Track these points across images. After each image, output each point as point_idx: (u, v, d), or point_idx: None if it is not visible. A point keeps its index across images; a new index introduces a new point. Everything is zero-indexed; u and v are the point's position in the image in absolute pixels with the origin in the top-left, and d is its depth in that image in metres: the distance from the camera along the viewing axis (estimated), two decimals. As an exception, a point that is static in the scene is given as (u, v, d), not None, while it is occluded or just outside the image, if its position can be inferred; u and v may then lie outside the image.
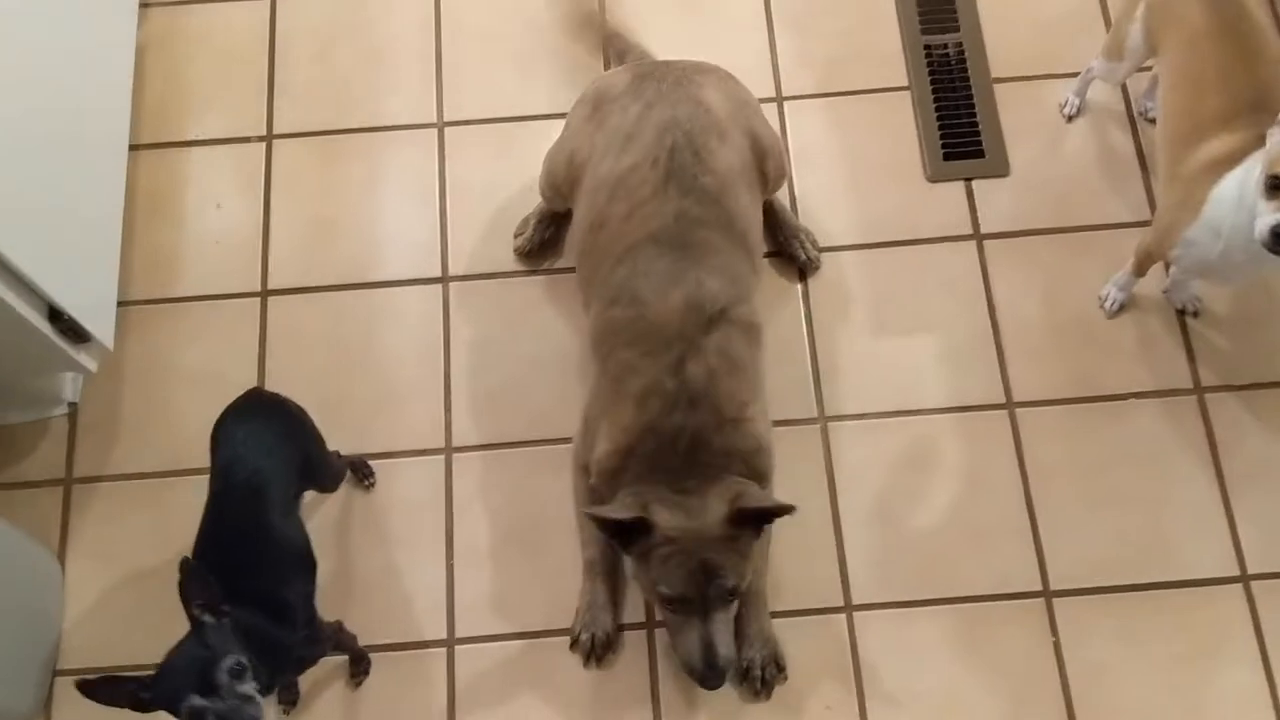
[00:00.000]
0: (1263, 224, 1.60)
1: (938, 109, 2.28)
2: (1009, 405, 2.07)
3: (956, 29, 2.33)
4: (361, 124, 2.32)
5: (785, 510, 1.67)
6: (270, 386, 2.11)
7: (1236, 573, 1.95)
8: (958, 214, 2.22)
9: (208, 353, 2.16)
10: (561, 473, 2.00)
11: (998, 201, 2.22)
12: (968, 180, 2.24)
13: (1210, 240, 1.75)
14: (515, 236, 2.20)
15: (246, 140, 2.31)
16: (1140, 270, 2.03)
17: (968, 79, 2.29)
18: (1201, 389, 2.07)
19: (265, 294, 2.20)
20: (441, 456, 2.06)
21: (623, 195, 1.83)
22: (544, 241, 2.18)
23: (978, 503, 2.01)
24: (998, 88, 2.30)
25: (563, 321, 2.15)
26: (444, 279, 2.20)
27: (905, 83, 2.31)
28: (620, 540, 1.71)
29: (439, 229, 2.23)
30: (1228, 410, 2.05)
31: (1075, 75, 2.25)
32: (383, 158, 2.30)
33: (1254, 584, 1.94)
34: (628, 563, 1.84)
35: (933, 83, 2.29)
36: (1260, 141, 1.69)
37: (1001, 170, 2.24)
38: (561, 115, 2.25)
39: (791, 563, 1.96)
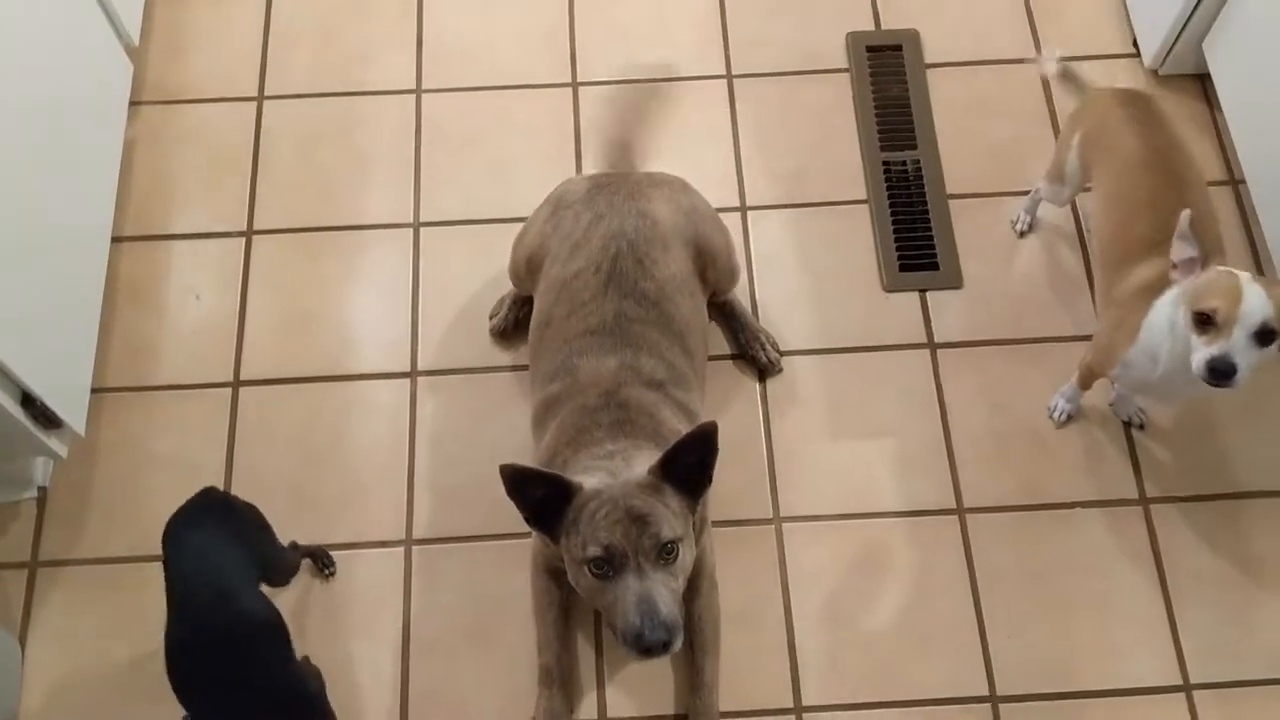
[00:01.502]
0: (1198, 359, 1.67)
1: (895, 222, 2.37)
2: (959, 510, 2.13)
3: (914, 147, 2.44)
4: (340, 222, 2.40)
5: (703, 439, 1.61)
6: (239, 475, 2.16)
7: (1179, 682, 1.99)
8: (913, 323, 2.30)
9: (179, 441, 2.20)
10: (521, 569, 2.03)
11: (951, 312, 2.30)
12: (922, 291, 2.32)
13: (1147, 364, 1.82)
14: (490, 318, 2.28)
15: (227, 235, 2.39)
16: (1085, 385, 2.10)
17: (924, 194, 2.39)
18: (1146, 500, 2.12)
19: (237, 384, 2.25)
20: (401, 549, 2.10)
21: (566, 298, 1.93)
22: (518, 320, 2.26)
23: (928, 606, 2.05)
24: (952, 203, 2.40)
25: (526, 418, 2.20)
26: (412, 373, 2.25)
27: (864, 196, 2.41)
28: (545, 522, 1.66)
29: (410, 325, 2.30)
30: (1171, 521, 2.10)
31: (1026, 193, 2.35)
32: (359, 255, 2.37)
33: (1195, 693, 1.97)
34: (572, 580, 1.72)
35: (890, 197, 2.39)
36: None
37: (955, 282, 2.32)
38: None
39: (743, 662, 1.99)
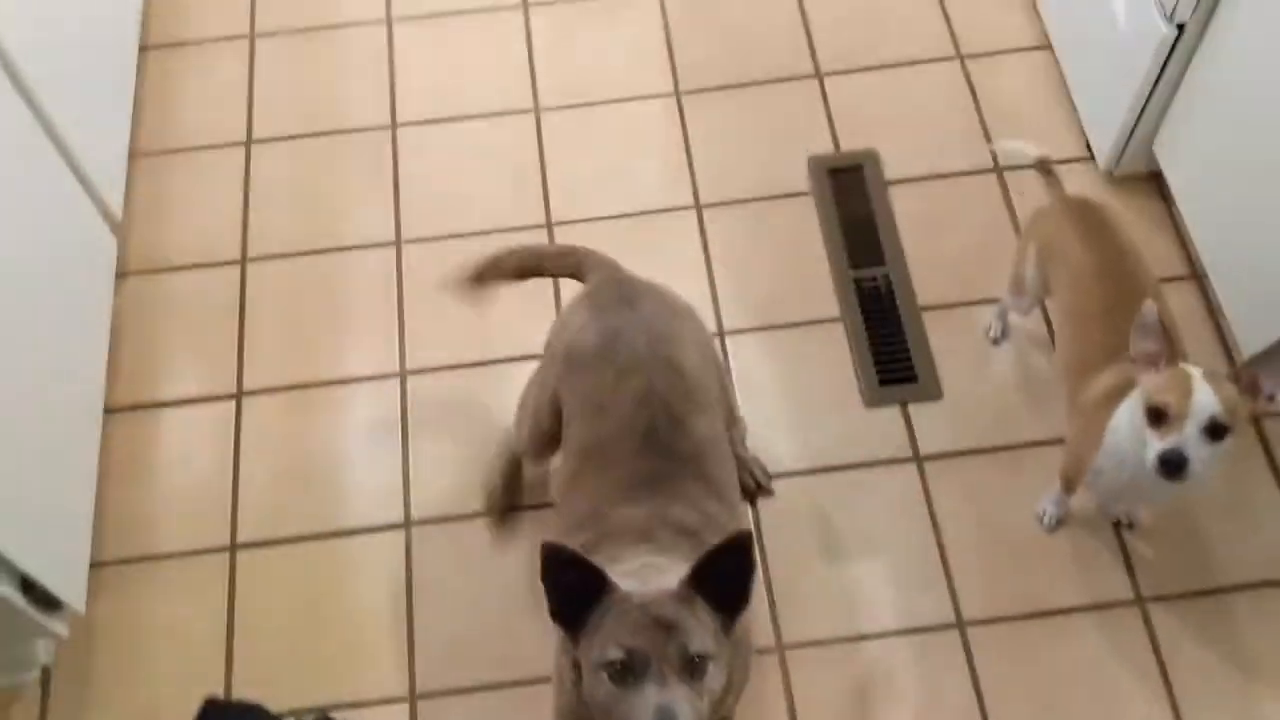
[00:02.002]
0: (1151, 453, 1.71)
1: (870, 338, 2.42)
2: (960, 625, 2.14)
3: (882, 263, 2.51)
4: (327, 377, 2.44)
5: (737, 548, 1.46)
6: (239, 639, 2.17)
7: (1195, 786, 1.99)
8: (897, 437, 2.33)
9: (179, 610, 2.20)
10: (535, 715, 2.03)
11: (933, 424, 2.34)
12: (903, 404, 2.36)
13: (1116, 469, 1.86)
14: (487, 498, 2.27)
15: (217, 399, 2.43)
16: (1069, 490, 2.13)
17: (896, 309, 2.45)
18: (1142, 599, 2.14)
19: (234, 548, 2.27)
20: (405, 706, 2.10)
21: (596, 459, 1.83)
22: (512, 500, 2.26)
23: (936, 725, 2.05)
24: (925, 315, 2.45)
25: (527, 561, 2.22)
26: (406, 523, 2.27)
27: (838, 314, 2.46)
28: (570, 618, 1.51)
29: (402, 474, 2.32)
30: (1168, 620, 2.11)
31: (995, 301, 2.41)
32: (348, 409, 2.41)
33: (1211, 798, 1.97)
34: (585, 678, 1.54)
35: (864, 314, 2.45)
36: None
37: (935, 394, 2.36)
38: (519, 358, 2.40)
39: (756, 798, 1.98)
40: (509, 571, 2.21)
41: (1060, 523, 2.21)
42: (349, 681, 2.12)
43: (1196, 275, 2.46)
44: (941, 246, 2.53)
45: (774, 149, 2.68)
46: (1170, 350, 1.74)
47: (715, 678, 1.48)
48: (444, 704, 2.10)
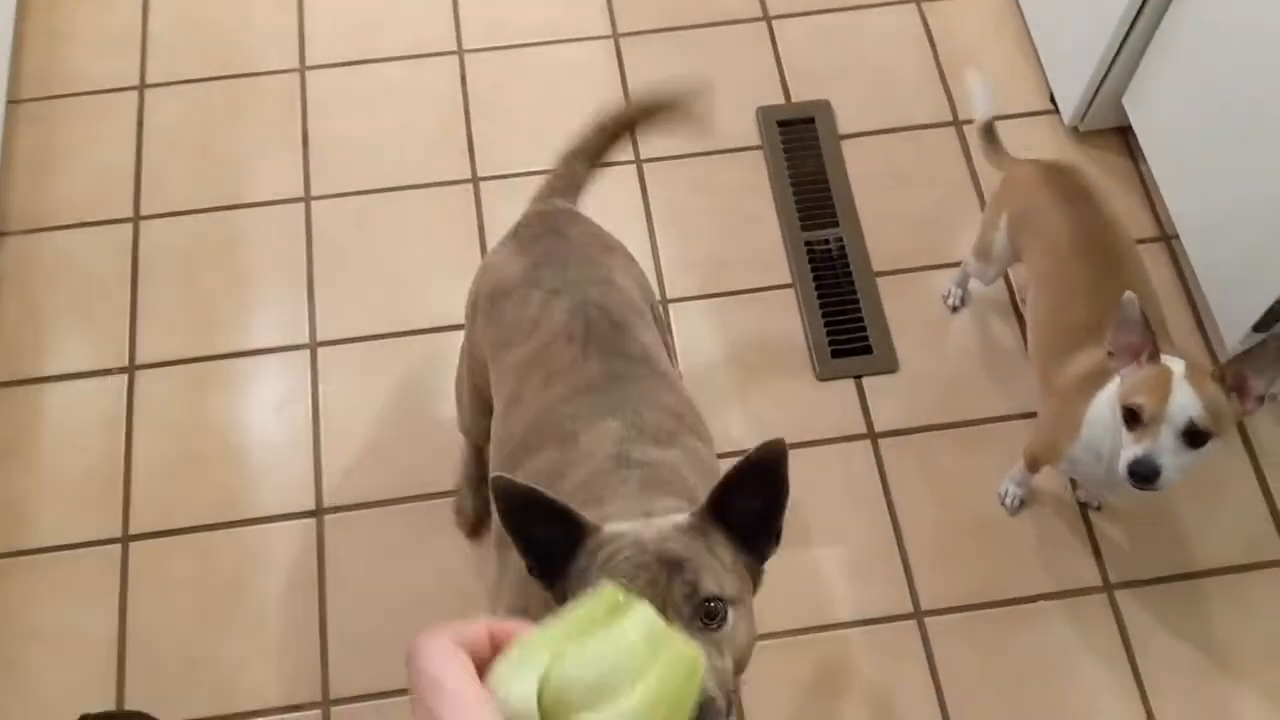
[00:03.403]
0: (1124, 458, 1.57)
1: (823, 306, 2.25)
2: (917, 614, 1.99)
3: (836, 224, 2.33)
4: (229, 349, 2.22)
5: (771, 460, 1.12)
6: (132, 644, 1.96)
7: (1163, 782, 1.88)
8: (850, 412, 2.17)
9: (64, 609, 1.99)
10: None
11: (888, 398, 2.18)
12: (857, 378, 2.20)
13: (1093, 460, 1.71)
14: (457, 514, 2.05)
15: (108, 373, 2.19)
16: (1032, 470, 1.99)
17: (850, 274, 2.28)
18: (1110, 586, 2.02)
19: (126, 540, 2.05)
20: (318, 712, 1.91)
21: (539, 368, 1.54)
22: (486, 504, 2.00)
23: (892, 723, 1.91)
24: (880, 281, 2.29)
25: (452, 551, 2.03)
26: (318, 511, 2.07)
27: (789, 280, 2.29)
28: (547, 570, 1.19)
29: (312, 457, 2.12)
30: (1136, 607, 1.99)
31: (955, 265, 2.25)
32: (252, 383, 2.19)
33: (1182, 797, 1.86)
34: None
35: (816, 279, 2.28)
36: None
37: (890, 366, 2.20)
38: (444, 327, 2.21)
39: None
40: (433, 563, 2.03)
41: (1023, 504, 2.07)
42: (256, 687, 1.93)
43: (1166, 236, 2.32)
44: (898, 206, 2.36)
45: (720, 99, 2.48)
46: (1152, 345, 1.58)
47: (740, 629, 1.11)
48: (360, 711, 1.92)
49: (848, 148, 2.43)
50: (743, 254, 2.32)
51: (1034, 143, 2.42)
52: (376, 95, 2.49)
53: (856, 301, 2.25)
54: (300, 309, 2.26)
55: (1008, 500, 2.07)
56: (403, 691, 1.92)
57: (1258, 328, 2.02)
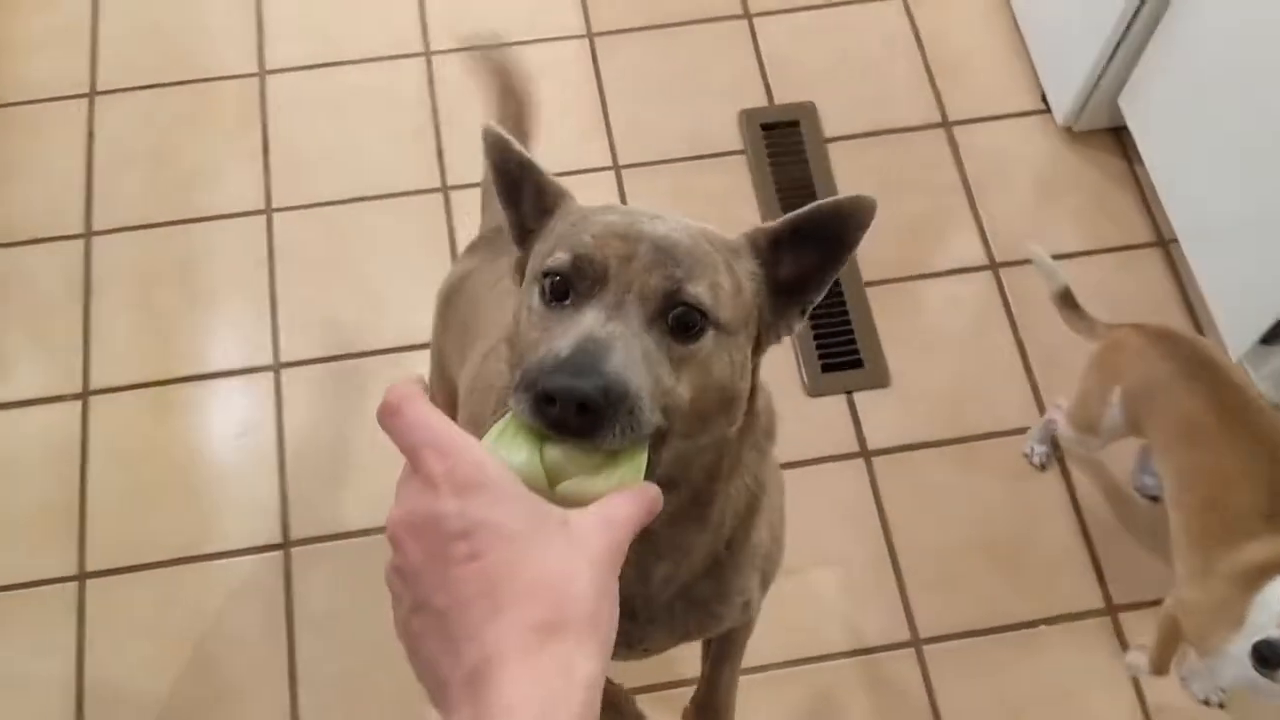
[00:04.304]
0: (1263, 635, 1.47)
1: (811, 318, 2.15)
2: (915, 642, 1.91)
3: (824, 232, 2.24)
4: (188, 371, 2.10)
5: (864, 206, 0.96)
6: (91, 688, 1.86)
7: (1173, 814, 1.81)
8: (842, 429, 2.08)
9: (17, 651, 1.88)
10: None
11: (881, 414, 2.10)
12: (849, 393, 2.11)
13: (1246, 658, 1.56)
14: None
15: (59, 399, 2.07)
16: (1162, 665, 1.80)
17: (839, 285, 2.19)
18: (1114, 608, 1.94)
19: (83, 577, 1.94)
20: (289, 760, 1.82)
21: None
22: None
23: (892, 758, 1.83)
24: (870, 291, 2.20)
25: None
26: (285, 544, 1.97)
27: (775, 291, 2.20)
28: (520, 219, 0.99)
29: (278, 486, 2.01)
30: (1141, 630, 1.92)
31: (945, 274, 2.17)
32: (213, 408, 2.08)
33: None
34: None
35: (804, 291, 2.18)
36: None
37: (882, 380, 2.12)
38: (415, 346, 2.10)
39: None
40: (406, 596, 1.93)
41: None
42: (221, 731, 1.83)
43: (1163, 241, 2.24)
44: (886, 212, 2.19)
45: (701, 101, 2.38)
46: None
47: (714, 362, 0.88)
48: (332, 755, 1.83)
49: (834, 151, 2.33)
50: (727, 264, 2.22)
51: (1024, 145, 2.34)
52: (341, 100, 2.37)
53: (846, 314, 2.16)
54: (263, 328, 2.14)
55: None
56: (378, 734, 1.83)
57: (1266, 340, 1.95)
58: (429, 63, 2.41)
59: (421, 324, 2.03)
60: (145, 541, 1.97)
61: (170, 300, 2.17)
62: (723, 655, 1.51)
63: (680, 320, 0.84)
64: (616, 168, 2.31)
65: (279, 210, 2.25)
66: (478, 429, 0.79)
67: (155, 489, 2.01)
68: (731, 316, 0.88)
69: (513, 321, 0.91)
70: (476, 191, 2.25)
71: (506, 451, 0.75)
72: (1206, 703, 1.87)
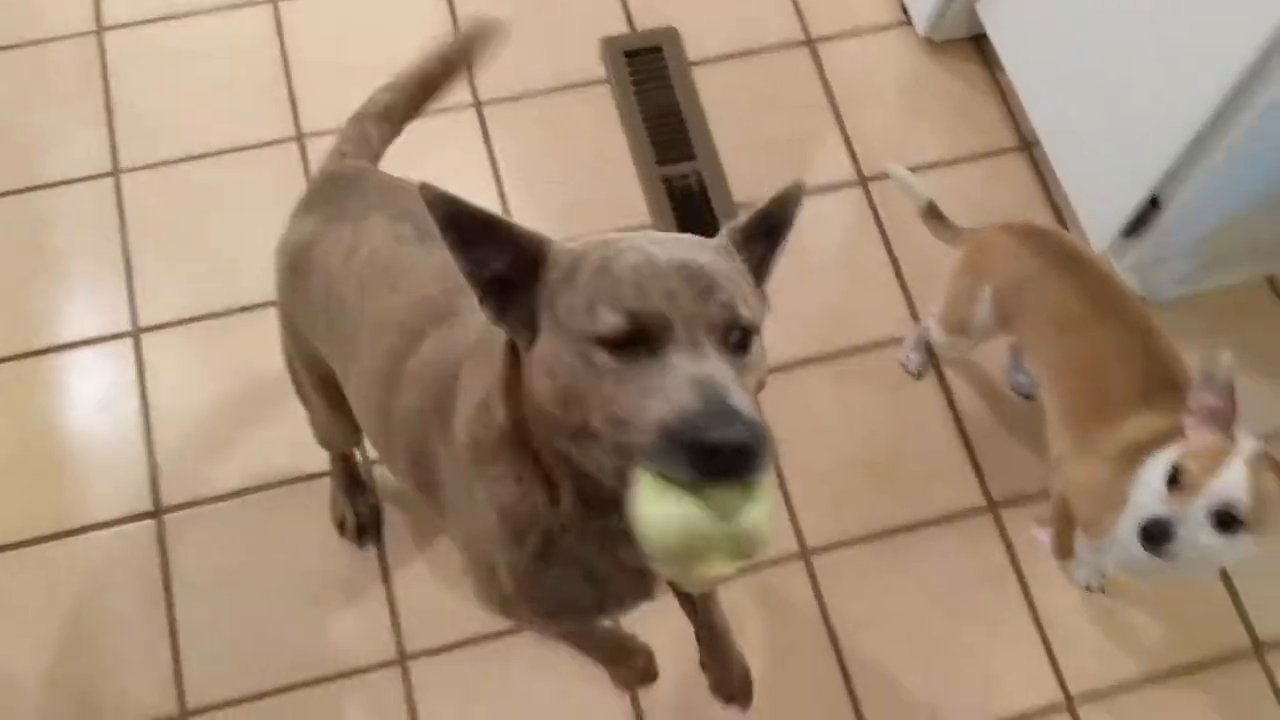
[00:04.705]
0: (1143, 515, 1.48)
1: (685, 244, 2.14)
2: (804, 554, 1.92)
3: (693, 157, 2.21)
4: (40, 345, 2.01)
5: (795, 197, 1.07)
6: (-40, 676, 1.78)
7: (1060, 699, 1.85)
8: (721, 353, 2.08)
9: (-124, 647, 1.80)
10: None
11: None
12: (726, 316, 2.10)
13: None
14: (339, 528, 1.90)
15: (-96, 381, 1.98)
16: (1063, 555, 1.87)
17: (712, 209, 2.18)
18: (995, 504, 1.97)
19: (-58, 564, 1.86)
20: (175, 729, 1.77)
21: (376, 281, 1.32)
22: (376, 512, 1.91)
23: (789, 677, 1.84)
24: (743, 214, 2.18)
25: (310, 538, 1.89)
26: (157, 511, 1.90)
27: (648, 220, 2.18)
28: (504, 305, 0.99)
29: (146, 452, 1.94)
30: (1023, 525, 1.96)
31: (815, 192, 2.16)
32: (70, 381, 2.00)
33: (1081, 707, 1.83)
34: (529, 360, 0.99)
35: (677, 217, 2.16)
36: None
37: (759, 301, 2.11)
38: (269, 303, 2.03)
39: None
40: (290, 554, 1.88)
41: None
42: (107, 710, 1.77)
43: (1026, 144, 2.26)
44: (755, 134, 2.26)
45: (561, 31, 2.34)
46: (1233, 415, 1.48)
47: (760, 366, 0.98)
48: (222, 718, 1.78)
49: (699, 76, 2.31)
50: (598, 196, 2.19)
51: (887, 58, 2.34)
52: (184, 53, 2.27)
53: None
54: (119, 294, 2.06)
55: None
56: (268, 694, 1.79)
57: (1127, 233, 1.98)
58: (275, 8, 2.33)
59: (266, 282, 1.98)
60: (10, 521, 1.89)
61: (18, 271, 2.07)
62: (705, 597, 1.59)
63: (739, 340, 0.93)
64: (478, 104, 2.26)
65: (127, 171, 2.16)
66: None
67: (16, 467, 1.92)
68: (758, 317, 0.98)
69: (557, 379, 0.94)
70: (332, 138, 2.19)
71: (675, 508, 0.82)
72: (1089, 589, 1.92)
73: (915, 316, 2.10)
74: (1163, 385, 1.63)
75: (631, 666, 1.65)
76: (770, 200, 1.05)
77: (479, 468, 1.10)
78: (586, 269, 0.94)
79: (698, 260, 0.94)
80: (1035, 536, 1.94)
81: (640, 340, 0.90)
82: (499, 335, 1.04)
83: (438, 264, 1.29)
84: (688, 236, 1.01)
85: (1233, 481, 1.44)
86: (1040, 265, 1.75)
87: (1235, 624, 1.90)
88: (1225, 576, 1.92)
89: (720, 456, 0.83)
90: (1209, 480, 1.45)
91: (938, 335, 1.96)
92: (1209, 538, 1.45)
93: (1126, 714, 1.84)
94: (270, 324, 2.01)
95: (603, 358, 0.90)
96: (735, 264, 1.00)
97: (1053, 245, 1.78)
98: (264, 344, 1.98)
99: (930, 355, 2.07)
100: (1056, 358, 1.74)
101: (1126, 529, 1.56)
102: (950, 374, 2.07)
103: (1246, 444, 1.48)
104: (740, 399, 0.87)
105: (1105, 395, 1.66)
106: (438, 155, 2.18)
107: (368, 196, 1.42)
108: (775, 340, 2.03)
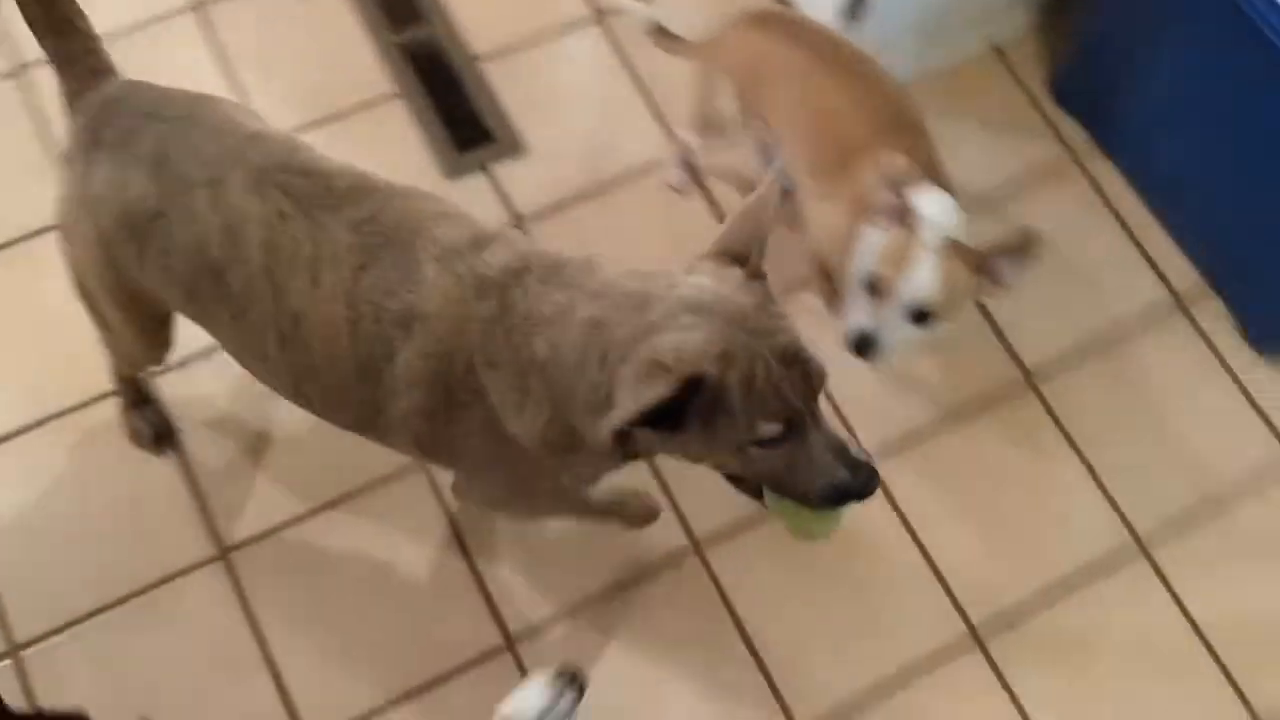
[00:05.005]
0: (850, 327, 1.57)
1: (435, 105, 2.15)
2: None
3: (424, 19, 2.21)
4: None
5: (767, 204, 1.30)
6: None
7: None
8: (492, 204, 2.10)
9: None
10: (160, 624, 1.75)
11: (526, 182, 2.12)
12: (485, 167, 2.12)
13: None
14: (134, 440, 1.88)
15: None
16: (829, 302, 1.92)
17: (453, 67, 2.18)
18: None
19: None
20: (8, 663, 1.75)
21: (292, 272, 1.33)
22: (161, 417, 1.90)
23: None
24: (487, 66, 2.20)
25: (107, 461, 1.87)
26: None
27: (393, 89, 2.17)
28: (665, 423, 1.21)
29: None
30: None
31: (556, 35, 2.19)
32: None
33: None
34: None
35: (421, 80, 2.17)
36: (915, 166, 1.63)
37: (518, 149, 2.14)
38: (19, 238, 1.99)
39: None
40: (89, 480, 1.86)
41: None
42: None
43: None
44: None
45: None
46: (908, 214, 1.57)
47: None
48: (53, 647, 1.76)
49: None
50: (338, 76, 2.18)
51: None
52: None
53: (466, 93, 2.16)
54: None
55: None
56: (95, 612, 1.78)
57: (849, 17, 2.04)
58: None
59: (20, 215, 1.93)
60: None
61: None
62: None
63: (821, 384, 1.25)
64: (195, 6, 2.20)
65: None
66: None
67: None
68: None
69: (704, 461, 1.28)
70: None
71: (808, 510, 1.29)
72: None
73: (673, 137, 2.16)
74: (895, 125, 1.74)
75: (636, 512, 1.86)
76: (751, 203, 1.30)
77: (554, 458, 1.36)
78: (733, 391, 1.18)
79: (785, 341, 1.20)
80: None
81: (789, 419, 1.21)
82: (497, 334, 1.28)
83: (346, 251, 1.31)
84: (740, 302, 1.22)
85: (922, 281, 1.56)
86: (773, 38, 1.84)
87: (1007, 361, 2.05)
88: (986, 314, 2.06)
89: (866, 485, 1.26)
90: (899, 283, 1.56)
91: (692, 141, 2.03)
92: (909, 332, 1.59)
93: (926, 462, 1.97)
94: (21, 257, 1.97)
95: (757, 451, 1.23)
96: (774, 304, 1.24)
97: (782, 21, 1.87)
98: (26, 280, 1.93)
99: (692, 172, 2.12)
100: (798, 116, 1.83)
101: (854, 294, 1.68)
102: (715, 187, 2.13)
103: (931, 235, 1.58)
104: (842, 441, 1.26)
105: (843, 140, 1.77)
106: (162, 64, 2.09)
107: (200, 150, 1.35)
108: (544, 181, 2.10)
